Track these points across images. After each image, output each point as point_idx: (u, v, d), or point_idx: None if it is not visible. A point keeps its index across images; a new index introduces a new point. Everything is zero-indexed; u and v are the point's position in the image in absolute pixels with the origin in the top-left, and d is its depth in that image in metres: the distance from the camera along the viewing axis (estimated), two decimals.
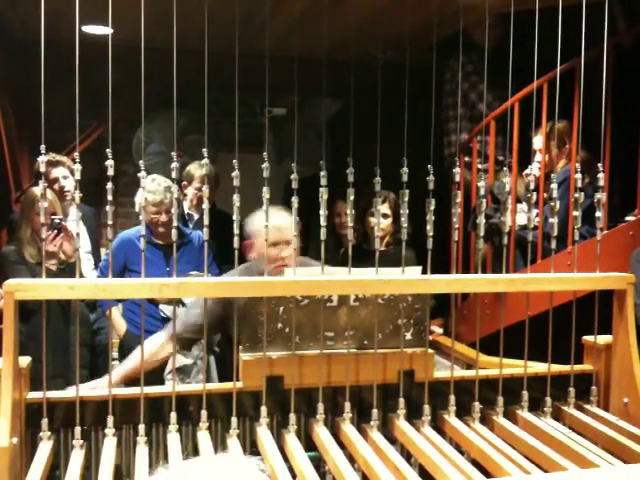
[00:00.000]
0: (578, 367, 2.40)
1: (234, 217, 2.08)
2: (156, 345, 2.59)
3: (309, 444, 2.15)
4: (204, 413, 2.09)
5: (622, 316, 2.30)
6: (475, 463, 1.98)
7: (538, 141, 3.98)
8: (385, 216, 4.21)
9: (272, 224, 2.85)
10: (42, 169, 1.98)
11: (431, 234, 2.19)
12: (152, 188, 3.64)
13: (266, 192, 2.12)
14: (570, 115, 3.67)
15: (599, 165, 2.36)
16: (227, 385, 2.20)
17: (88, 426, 2.05)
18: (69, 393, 2.07)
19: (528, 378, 2.34)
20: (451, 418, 2.26)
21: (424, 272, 2.21)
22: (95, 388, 2.34)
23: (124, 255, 3.69)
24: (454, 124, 4.98)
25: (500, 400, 2.30)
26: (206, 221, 2.07)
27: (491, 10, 3.55)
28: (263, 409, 2.13)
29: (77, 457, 1.96)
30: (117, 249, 3.66)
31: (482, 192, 2.31)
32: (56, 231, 3.47)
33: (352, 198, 2.16)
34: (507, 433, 2.21)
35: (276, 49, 4.50)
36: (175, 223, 2.08)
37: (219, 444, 2.13)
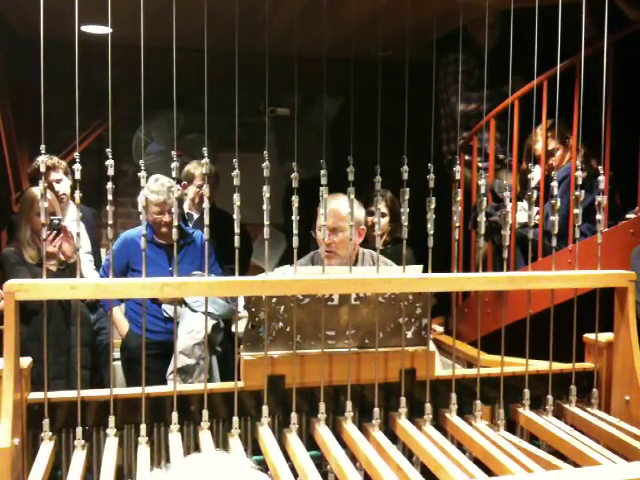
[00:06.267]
0: (579, 365, 2.40)
1: (234, 216, 2.08)
2: None
3: (311, 443, 2.15)
4: (205, 413, 2.09)
5: (623, 314, 2.30)
6: (477, 461, 1.98)
7: (539, 146, 3.97)
8: (382, 215, 4.20)
9: (329, 208, 2.86)
10: (42, 169, 1.97)
11: (431, 232, 2.19)
12: (155, 188, 3.62)
13: (266, 191, 2.12)
14: (571, 113, 3.66)
15: (599, 168, 2.36)
16: (228, 385, 2.20)
17: (90, 426, 2.05)
18: (70, 393, 2.07)
19: (529, 376, 2.33)
20: (453, 416, 2.26)
21: (425, 271, 2.21)
22: None
23: (127, 255, 3.68)
24: (450, 121, 4.98)
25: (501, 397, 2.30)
26: (206, 220, 2.06)
27: (491, 8, 3.54)
28: (265, 408, 2.13)
29: (79, 457, 1.96)
30: (119, 249, 3.66)
31: (482, 190, 2.31)
32: (55, 232, 3.46)
33: (352, 197, 2.16)
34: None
35: (277, 48, 4.49)
36: (176, 223, 2.08)
37: (221, 444, 2.12)
